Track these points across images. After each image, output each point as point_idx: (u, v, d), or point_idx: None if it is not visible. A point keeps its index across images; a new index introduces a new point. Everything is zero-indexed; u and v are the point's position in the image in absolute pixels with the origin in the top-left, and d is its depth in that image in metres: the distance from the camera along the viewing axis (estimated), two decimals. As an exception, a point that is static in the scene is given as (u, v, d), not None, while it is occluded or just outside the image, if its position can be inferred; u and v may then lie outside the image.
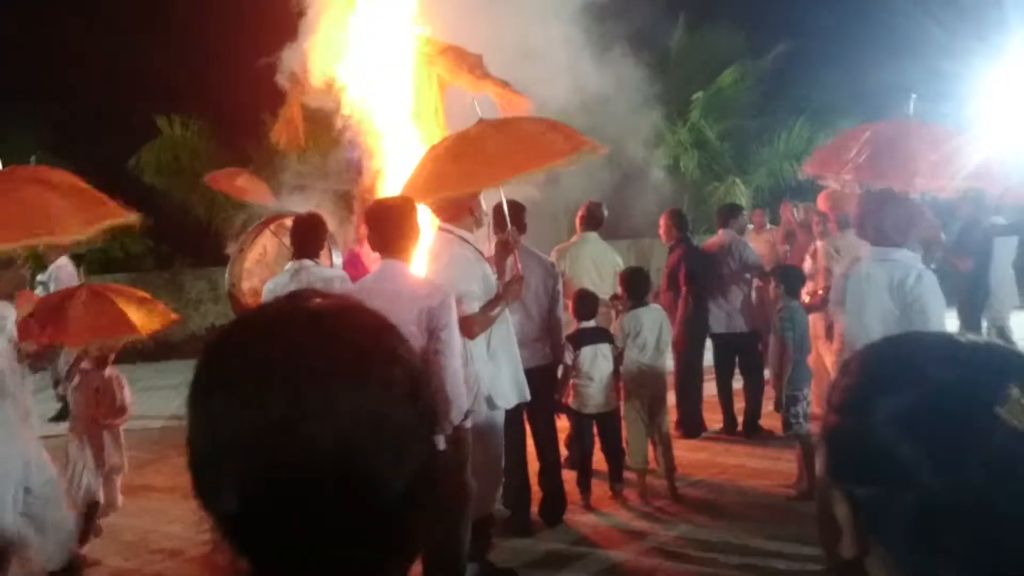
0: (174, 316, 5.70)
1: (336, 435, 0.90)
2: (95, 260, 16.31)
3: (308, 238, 5.76)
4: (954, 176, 5.47)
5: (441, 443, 4.46)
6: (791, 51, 16.51)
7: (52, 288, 9.66)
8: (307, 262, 5.67)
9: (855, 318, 4.70)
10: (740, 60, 16.73)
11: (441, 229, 5.03)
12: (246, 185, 11.07)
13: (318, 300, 1.00)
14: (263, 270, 6.97)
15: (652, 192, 13.20)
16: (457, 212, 5.00)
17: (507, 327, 5.10)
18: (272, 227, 7.12)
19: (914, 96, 5.94)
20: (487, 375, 4.91)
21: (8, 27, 16.06)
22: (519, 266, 5.07)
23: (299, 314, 0.98)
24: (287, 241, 6.57)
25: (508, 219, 5.19)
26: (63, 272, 10.10)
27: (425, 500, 0.96)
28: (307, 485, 0.90)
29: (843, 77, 16.19)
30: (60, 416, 8.97)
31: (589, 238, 7.28)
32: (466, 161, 5.08)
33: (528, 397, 5.17)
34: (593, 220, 7.31)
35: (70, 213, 4.54)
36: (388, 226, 4.41)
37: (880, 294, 4.56)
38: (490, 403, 4.91)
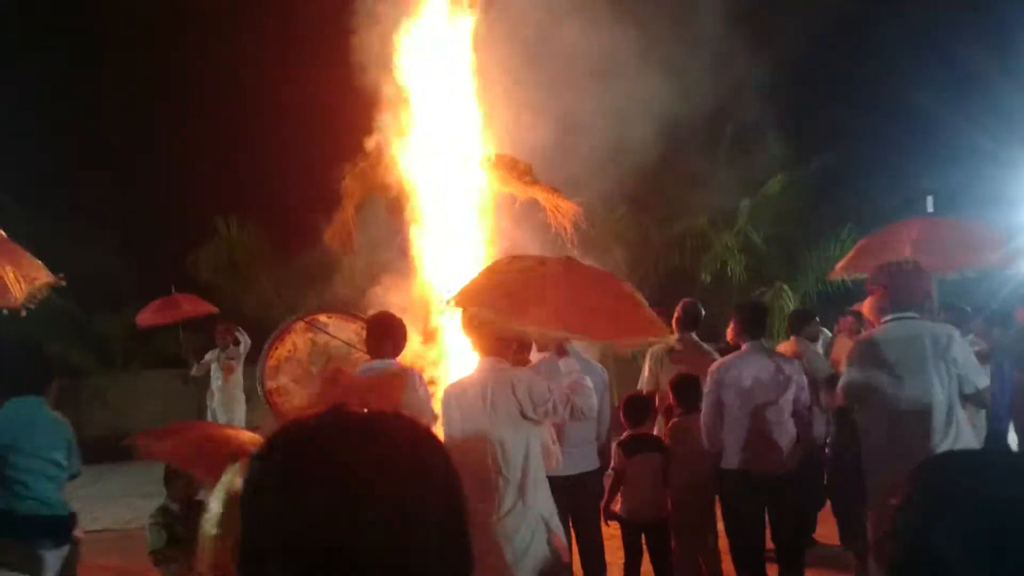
0: None
1: (378, 529, 0.97)
2: (149, 355, 16.64)
3: (384, 337, 5.64)
4: None
5: None
6: (838, 158, 16.63)
7: None
8: (384, 362, 5.53)
9: None
10: (787, 167, 16.86)
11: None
12: (186, 305, 12.18)
13: (357, 410, 1.10)
14: (293, 367, 6.93)
15: (698, 296, 13.17)
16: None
17: None
18: (303, 323, 7.08)
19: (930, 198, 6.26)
20: None
21: (72, 134, 16.82)
22: None
23: (345, 421, 1.07)
24: (320, 339, 6.55)
25: None
26: None
27: None
28: (352, 573, 0.96)
29: (890, 183, 16.23)
30: None
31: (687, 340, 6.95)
32: None
33: None
34: (689, 320, 6.98)
35: (628, 320, 4.66)
36: None
37: None
38: None
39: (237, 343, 11.80)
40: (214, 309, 12.50)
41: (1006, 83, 15.45)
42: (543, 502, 4.38)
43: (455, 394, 4.58)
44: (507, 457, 4.28)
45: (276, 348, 7.02)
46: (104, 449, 14.88)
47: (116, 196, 16.82)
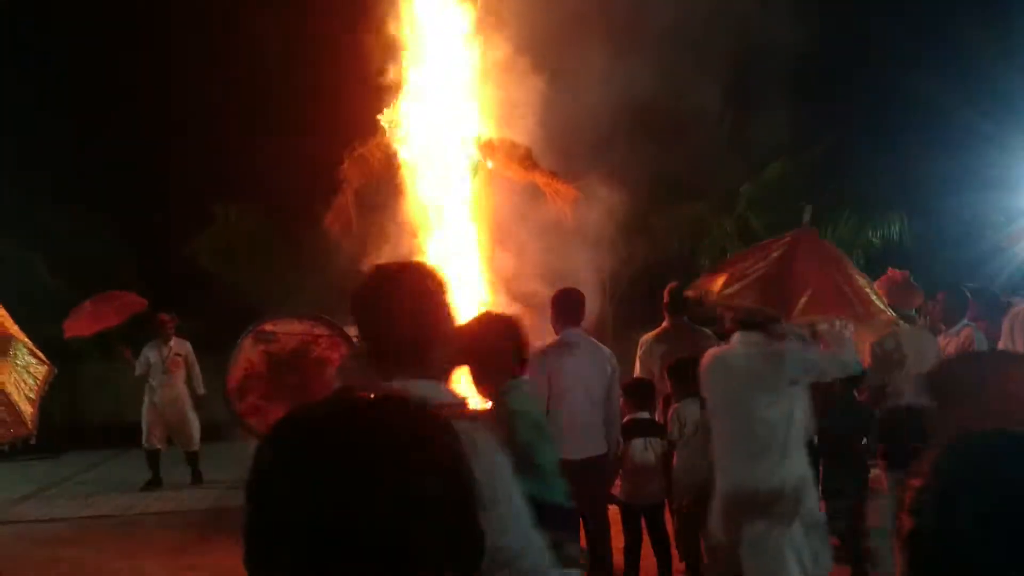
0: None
1: (382, 513, 0.97)
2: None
3: None
4: None
5: None
6: (837, 144, 16.57)
7: None
8: None
9: None
10: (787, 153, 16.80)
11: None
12: (114, 309, 11.05)
13: (364, 394, 1.09)
14: (257, 384, 6.62)
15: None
16: None
17: None
18: (250, 338, 6.77)
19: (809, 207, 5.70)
20: None
21: (72, 121, 16.78)
22: None
23: (351, 405, 1.07)
24: (273, 348, 6.42)
25: None
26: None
27: (467, 566, 1.04)
28: (357, 560, 0.96)
29: (890, 169, 16.18)
30: None
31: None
32: None
33: None
34: (676, 304, 6.81)
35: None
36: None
37: None
38: None
39: (178, 335, 10.99)
40: (144, 302, 11.33)
41: (1006, 67, 15.40)
42: (802, 464, 4.54)
43: (716, 366, 4.75)
44: (769, 424, 4.43)
45: (233, 371, 6.72)
46: (104, 436, 14.96)
47: (116, 182, 16.77)
